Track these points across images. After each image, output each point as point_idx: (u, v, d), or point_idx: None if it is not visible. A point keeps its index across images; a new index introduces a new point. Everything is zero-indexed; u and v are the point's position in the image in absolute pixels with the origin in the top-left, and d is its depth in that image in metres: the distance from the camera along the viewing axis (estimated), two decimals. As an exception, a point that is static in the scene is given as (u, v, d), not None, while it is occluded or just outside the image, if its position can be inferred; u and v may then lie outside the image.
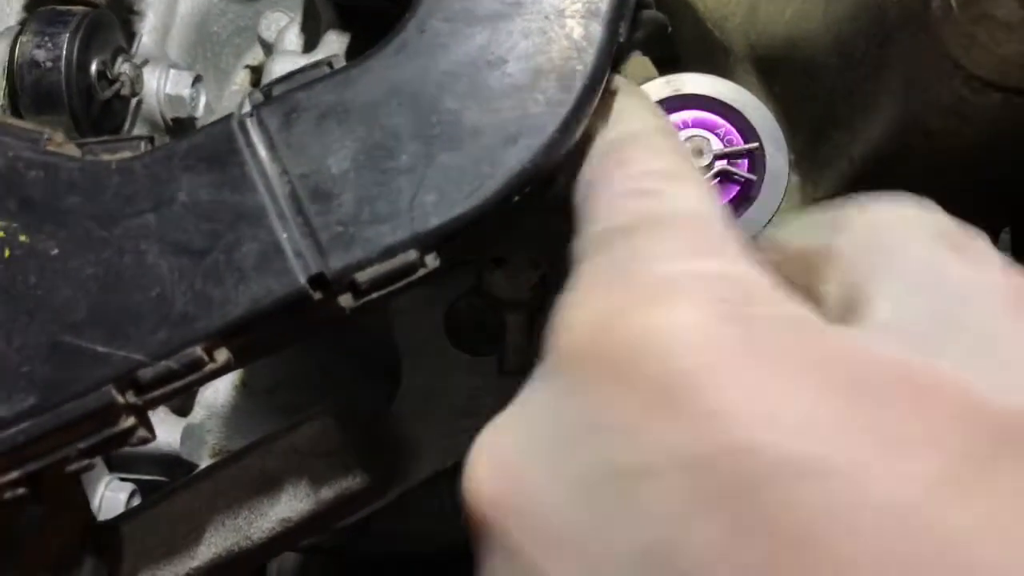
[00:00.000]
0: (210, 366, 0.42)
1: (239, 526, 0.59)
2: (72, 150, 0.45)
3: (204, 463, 0.80)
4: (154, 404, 0.43)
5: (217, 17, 0.86)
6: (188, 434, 0.79)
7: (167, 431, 0.79)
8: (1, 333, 0.42)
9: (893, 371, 0.29)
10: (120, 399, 0.42)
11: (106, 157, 0.44)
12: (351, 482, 0.61)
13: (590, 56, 0.45)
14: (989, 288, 0.32)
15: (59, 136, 0.46)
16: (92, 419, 0.42)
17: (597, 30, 0.45)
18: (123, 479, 0.81)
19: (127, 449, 0.44)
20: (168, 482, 0.81)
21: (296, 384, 0.84)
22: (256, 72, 0.90)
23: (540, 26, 0.45)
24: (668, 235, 0.36)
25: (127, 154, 0.44)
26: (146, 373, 0.42)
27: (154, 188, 0.43)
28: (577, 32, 0.45)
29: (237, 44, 0.89)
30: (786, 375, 0.29)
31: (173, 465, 0.80)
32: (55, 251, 0.43)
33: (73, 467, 0.43)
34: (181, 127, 0.79)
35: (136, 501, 0.81)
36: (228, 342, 0.43)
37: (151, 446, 0.61)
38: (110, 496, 0.79)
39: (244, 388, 0.83)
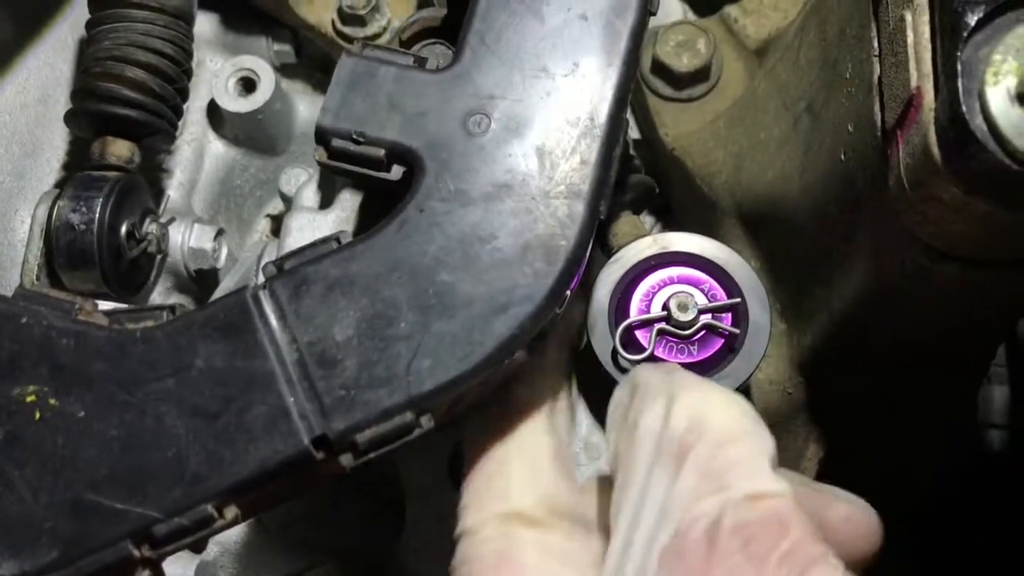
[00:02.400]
0: (219, 522, 0.45)
1: (246, 672, 0.61)
2: (101, 319, 0.49)
3: (217, 599, 0.82)
4: (167, 555, 0.47)
5: (240, 172, 0.92)
6: (202, 570, 0.81)
7: (181, 568, 0.81)
8: (29, 490, 0.46)
9: None
10: (136, 553, 0.45)
11: (131, 326, 0.49)
12: (354, 626, 0.63)
13: (573, 232, 0.50)
14: None
15: (89, 305, 0.50)
16: (109, 572, 0.45)
17: (579, 209, 0.50)
18: (137, 616, 0.83)
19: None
20: (181, 618, 0.83)
21: (307, 520, 0.86)
22: (276, 220, 0.95)
23: (527, 206, 0.49)
24: None
25: (150, 323, 0.49)
26: (160, 529, 0.45)
27: (174, 355, 0.47)
28: (561, 211, 0.50)
29: (259, 196, 0.94)
30: None
31: (186, 601, 0.82)
32: (82, 413, 0.47)
33: (89, 616, 0.46)
34: (203, 277, 0.84)
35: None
36: (237, 499, 0.46)
37: (165, 585, 0.63)
38: (124, 633, 0.81)
39: (257, 525, 0.85)
